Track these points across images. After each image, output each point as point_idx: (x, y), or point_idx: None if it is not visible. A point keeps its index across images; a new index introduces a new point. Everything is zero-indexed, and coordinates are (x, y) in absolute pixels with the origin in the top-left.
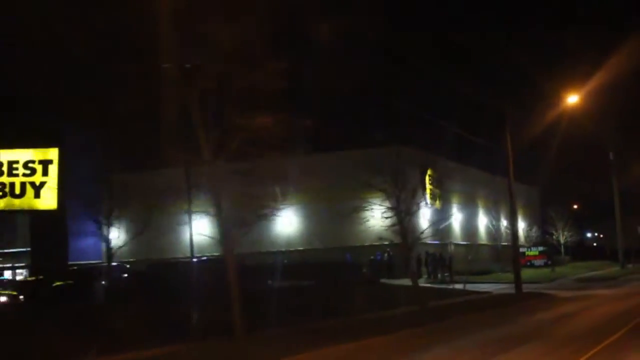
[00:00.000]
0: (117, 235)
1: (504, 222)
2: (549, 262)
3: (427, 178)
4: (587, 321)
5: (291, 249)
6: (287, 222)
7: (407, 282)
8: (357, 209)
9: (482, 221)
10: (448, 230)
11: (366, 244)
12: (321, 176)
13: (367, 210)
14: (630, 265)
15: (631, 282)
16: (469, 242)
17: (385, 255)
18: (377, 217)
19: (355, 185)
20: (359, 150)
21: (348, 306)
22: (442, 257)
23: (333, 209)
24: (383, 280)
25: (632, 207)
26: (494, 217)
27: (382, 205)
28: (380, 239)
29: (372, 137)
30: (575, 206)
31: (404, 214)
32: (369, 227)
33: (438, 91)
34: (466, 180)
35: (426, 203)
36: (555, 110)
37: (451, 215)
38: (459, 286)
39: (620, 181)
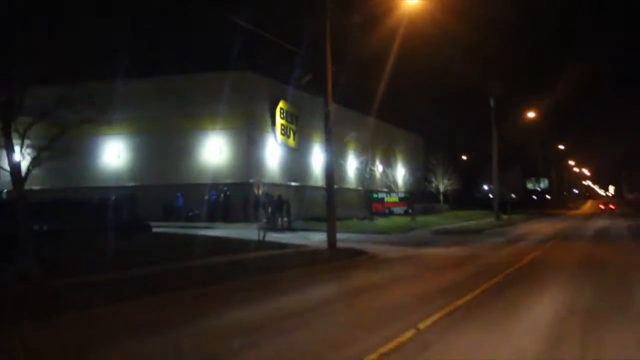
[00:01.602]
0: None
1: (379, 167)
2: (410, 211)
3: (278, 111)
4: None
5: (120, 185)
6: (115, 155)
7: (244, 226)
8: (192, 142)
9: (353, 164)
10: (306, 171)
11: (203, 182)
12: (152, 104)
13: (203, 144)
14: (505, 217)
15: (489, 239)
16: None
17: (222, 195)
18: (215, 152)
19: (192, 115)
20: (198, 75)
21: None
22: (281, 200)
23: (165, 142)
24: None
25: (515, 157)
26: (363, 161)
27: (221, 139)
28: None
29: (214, 61)
30: (464, 157)
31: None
32: (206, 164)
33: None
34: (337, 119)
35: (276, 139)
36: None
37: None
38: (281, 236)
39: (505, 130)
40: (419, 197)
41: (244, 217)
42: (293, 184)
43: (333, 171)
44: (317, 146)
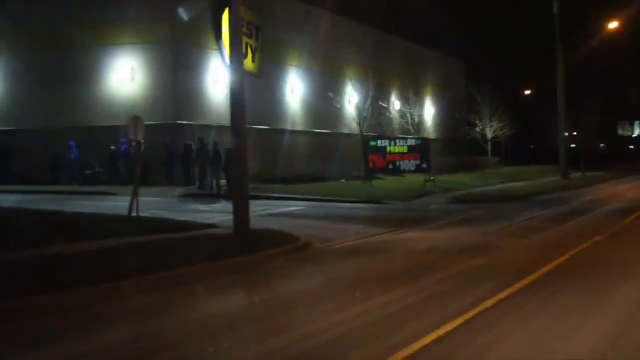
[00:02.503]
0: None
1: (395, 105)
2: (425, 166)
3: (225, 17)
4: None
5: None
6: None
7: (165, 192)
8: (92, 65)
9: (353, 101)
10: (275, 109)
11: (109, 125)
12: (33, 9)
13: (108, 67)
14: (577, 175)
15: (533, 211)
16: (315, 130)
17: (134, 144)
18: (126, 78)
19: (90, 23)
20: None
21: None
22: (217, 153)
23: (53, 65)
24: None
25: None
26: (364, 93)
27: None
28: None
29: None
30: (527, 91)
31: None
32: (112, 97)
33: None
34: (325, 33)
35: (224, 60)
36: None
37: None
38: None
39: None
40: (457, 147)
41: (168, 178)
42: (254, 127)
43: (243, 102)
44: (295, 72)
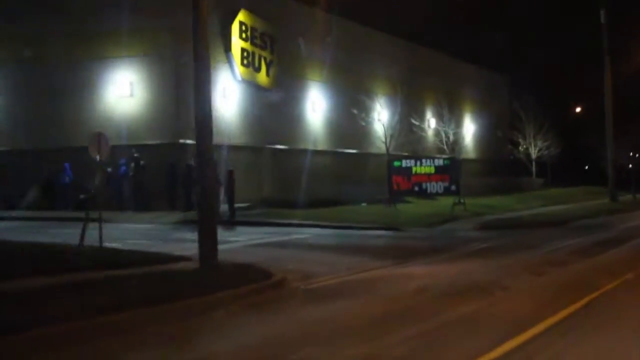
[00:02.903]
0: None
1: (431, 122)
2: (453, 188)
3: (235, 27)
4: None
5: None
6: None
7: (163, 216)
8: (87, 79)
9: (383, 118)
10: (294, 127)
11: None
12: (21, 18)
13: (104, 82)
14: (629, 197)
15: (568, 239)
16: (339, 149)
17: (133, 166)
18: (123, 93)
19: (85, 34)
20: None
21: None
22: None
23: (44, 79)
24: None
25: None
26: (392, 108)
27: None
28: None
29: None
30: (578, 109)
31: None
32: (110, 114)
33: None
34: (350, 45)
35: (233, 74)
36: None
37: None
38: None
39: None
40: (499, 168)
41: (170, 202)
42: (268, 146)
43: (209, 118)
44: (316, 87)
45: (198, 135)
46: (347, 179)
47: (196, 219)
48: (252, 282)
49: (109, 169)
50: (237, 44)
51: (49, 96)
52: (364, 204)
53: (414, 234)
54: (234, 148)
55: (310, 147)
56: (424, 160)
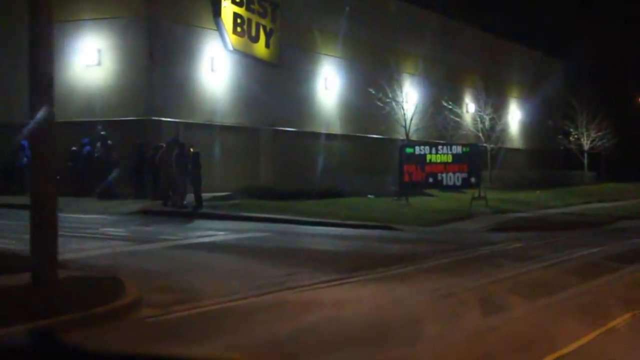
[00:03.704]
0: None
1: (470, 106)
2: (473, 180)
3: None
4: None
5: None
6: None
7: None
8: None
9: (411, 100)
10: (300, 106)
11: (67, 120)
12: None
13: (68, 48)
14: None
15: (592, 246)
16: (356, 134)
17: (98, 145)
18: (90, 61)
19: None
20: None
21: None
22: (184, 154)
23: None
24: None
25: None
26: (419, 92)
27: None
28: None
29: None
30: None
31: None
32: (74, 85)
33: None
34: (369, 16)
35: (224, 43)
36: None
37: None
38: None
39: None
40: (548, 159)
41: (137, 189)
42: (267, 128)
43: (50, 82)
44: (330, 63)
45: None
46: (361, 168)
47: (159, 210)
48: (85, 308)
49: (74, 148)
50: (229, 9)
51: (3, 66)
52: (370, 196)
53: (407, 234)
54: (223, 128)
55: (322, 130)
56: (440, 147)
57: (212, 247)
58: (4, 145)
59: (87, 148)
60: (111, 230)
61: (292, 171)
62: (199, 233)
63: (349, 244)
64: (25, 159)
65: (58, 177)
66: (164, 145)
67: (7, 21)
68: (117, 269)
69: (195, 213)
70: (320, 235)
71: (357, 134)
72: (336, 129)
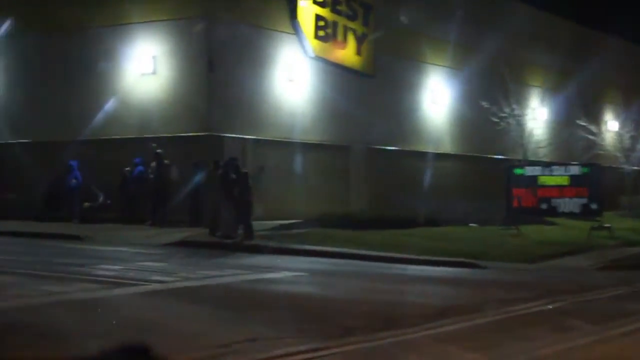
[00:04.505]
0: None
1: (610, 124)
2: (594, 207)
3: None
4: None
5: None
6: None
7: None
8: (96, 52)
9: (540, 116)
10: (402, 123)
11: (120, 137)
12: None
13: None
14: None
15: None
16: (468, 153)
17: (153, 165)
18: (146, 70)
19: None
20: None
21: None
22: (228, 175)
23: (45, 51)
24: None
25: None
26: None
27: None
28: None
29: None
30: None
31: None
32: (126, 98)
33: None
34: (485, 18)
35: (304, 48)
36: None
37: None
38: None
39: None
40: None
41: (192, 213)
42: (356, 145)
43: None
44: (438, 73)
45: None
46: (470, 192)
47: (202, 240)
48: None
49: (127, 169)
50: (310, 10)
51: (47, 76)
52: (473, 225)
53: (488, 273)
54: (304, 146)
55: (427, 148)
56: (554, 168)
57: (195, 294)
58: (52, 165)
59: (140, 169)
60: (107, 268)
61: (389, 195)
62: (213, 272)
63: (384, 288)
64: (74, 181)
65: (109, 202)
66: (215, 164)
67: (46, 30)
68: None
69: (240, 245)
70: (362, 276)
71: (468, 154)
72: (444, 147)
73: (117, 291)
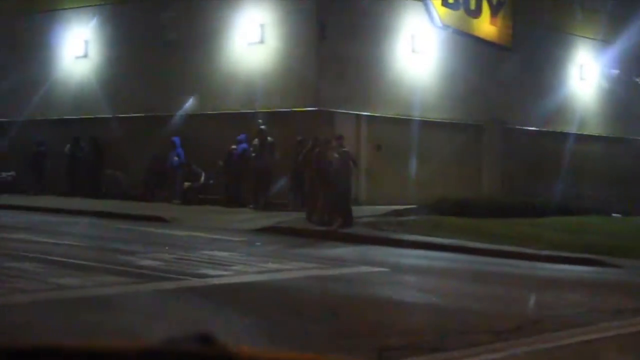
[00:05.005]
0: None
1: None
2: None
3: None
4: None
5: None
6: (77, 47)
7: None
8: (202, 21)
9: None
10: (560, 103)
11: (221, 112)
12: None
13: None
14: None
15: None
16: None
17: (256, 142)
18: (253, 40)
19: None
20: None
21: None
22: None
23: (150, 24)
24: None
25: None
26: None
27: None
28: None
29: None
30: None
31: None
32: (233, 68)
33: None
34: None
35: (431, 18)
36: None
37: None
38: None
39: None
40: None
41: (294, 194)
42: (490, 124)
43: None
44: (586, 46)
45: None
46: (620, 179)
47: (294, 225)
48: None
49: (233, 147)
50: None
51: (150, 47)
52: (616, 215)
53: (615, 273)
54: (426, 124)
55: (572, 129)
56: None
57: (227, 295)
58: (148, 143)
59: (243, 146)
60: (159, 257)
61: (524, 179)
62: (279, 265)
63: (482, 293)
64: (176, 159)
65: (211, 182)
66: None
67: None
68: None
69: (334, 233)
70: (458, 275)
71: (617, 135)
72: (589, 128)
73: (136, 287)
